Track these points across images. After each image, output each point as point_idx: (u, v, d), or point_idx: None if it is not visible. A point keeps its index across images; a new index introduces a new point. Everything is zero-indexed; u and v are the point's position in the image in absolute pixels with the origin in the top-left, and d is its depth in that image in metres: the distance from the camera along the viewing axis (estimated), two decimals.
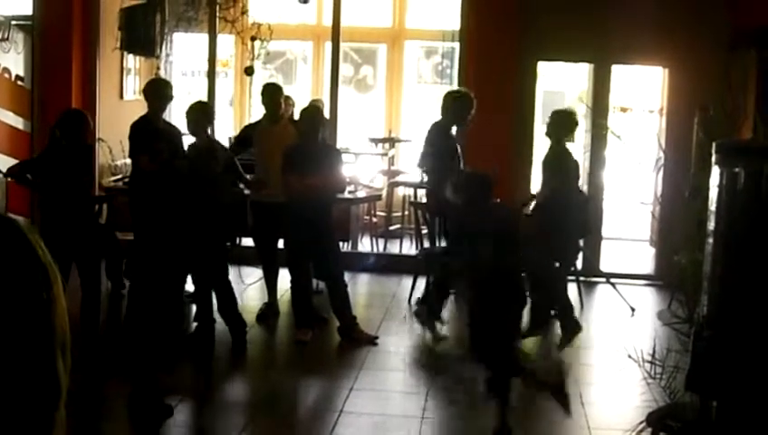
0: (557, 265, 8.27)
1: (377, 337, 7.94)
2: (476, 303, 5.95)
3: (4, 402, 1.30)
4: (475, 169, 7.54)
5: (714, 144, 4.57)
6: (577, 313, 8.97)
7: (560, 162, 8.15)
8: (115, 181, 9.59)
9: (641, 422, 5.12)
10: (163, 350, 7.40)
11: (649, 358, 5.26)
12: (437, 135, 8.70)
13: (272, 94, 8.94)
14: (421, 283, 9.14)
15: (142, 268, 8.13)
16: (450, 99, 8.81)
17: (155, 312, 7.89)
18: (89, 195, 7.93)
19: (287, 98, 9.75)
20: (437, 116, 8.83)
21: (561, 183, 8.10)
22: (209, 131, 8.09)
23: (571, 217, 8.34)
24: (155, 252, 8.07)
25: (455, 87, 10.50)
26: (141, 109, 8.35)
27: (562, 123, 8.26)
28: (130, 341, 7.62)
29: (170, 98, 8.57)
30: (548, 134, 8.35)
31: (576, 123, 8.42)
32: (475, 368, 5.89)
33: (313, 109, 8.92)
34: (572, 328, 7.98)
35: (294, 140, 8.17)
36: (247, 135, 9.09)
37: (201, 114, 8.00)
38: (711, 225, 4.45)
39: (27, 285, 1.33)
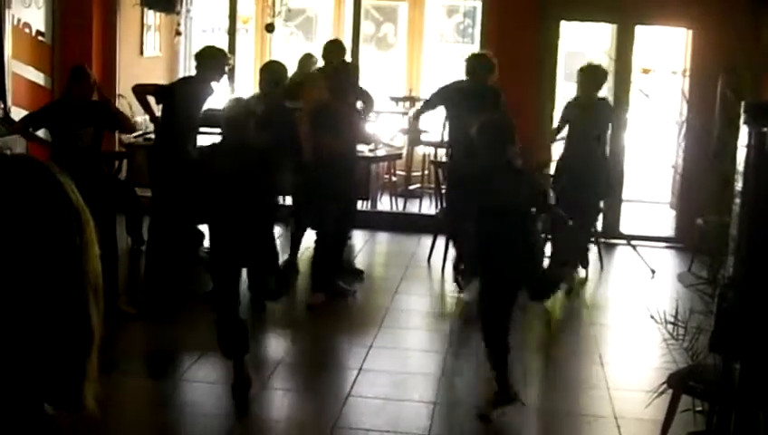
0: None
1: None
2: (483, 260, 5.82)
3: (39, 348, 1.29)
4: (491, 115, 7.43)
5: (742, 104, 4.51)
6: (597, 274, 8.96)
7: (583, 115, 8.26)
8: (135, 137, 9.54)
9: (662, 383, 5.10)
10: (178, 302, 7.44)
11: (671, 319, 5.23)
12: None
13: (303, 66, 9.05)
14: (441, 242, 9.10)
15: (160, 225, 8.12)
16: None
17: (173, 267, 7.91)
18: (98, 150, 7.80)
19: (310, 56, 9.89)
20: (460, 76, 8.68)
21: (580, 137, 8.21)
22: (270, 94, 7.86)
23: (593, 177, 8.30)
24: (172, 209, 8.06)
25: (476, 48, 10.43)
26: (161, 65, 8.28)
27: (592, 77, 8.39)
28: (149, 296, 7.65)
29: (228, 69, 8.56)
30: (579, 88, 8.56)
31: (603, 77, 8.57)
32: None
33: (347, 66, 8.94)
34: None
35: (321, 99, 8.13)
36: None
37: (269, 75, 7.91)
38: (738, 185, 4.41)
39: (61, 229, 1.32)
